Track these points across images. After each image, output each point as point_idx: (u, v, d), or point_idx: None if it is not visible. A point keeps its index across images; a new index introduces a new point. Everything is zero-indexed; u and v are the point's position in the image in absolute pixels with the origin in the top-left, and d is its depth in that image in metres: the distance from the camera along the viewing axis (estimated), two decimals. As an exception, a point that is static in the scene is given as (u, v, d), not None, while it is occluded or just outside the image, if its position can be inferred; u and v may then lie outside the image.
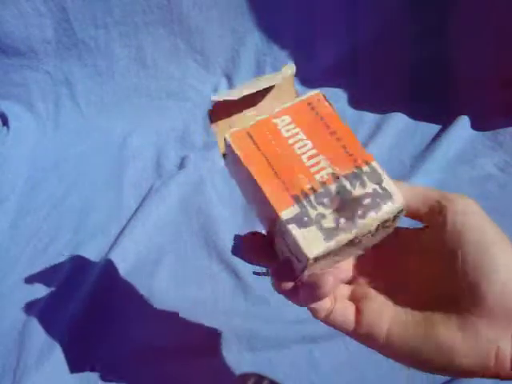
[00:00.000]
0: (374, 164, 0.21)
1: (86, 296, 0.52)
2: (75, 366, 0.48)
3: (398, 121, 0.74)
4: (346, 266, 0.25)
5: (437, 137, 0.70)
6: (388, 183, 0.21)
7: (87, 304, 0.52)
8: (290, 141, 0.22)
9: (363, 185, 0.21)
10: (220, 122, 0.24)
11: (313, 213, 0.20)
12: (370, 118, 0.76)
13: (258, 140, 0.22)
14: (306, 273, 0.21)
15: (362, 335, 0.24)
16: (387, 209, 0.20)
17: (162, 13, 0.75)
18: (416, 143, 0.70)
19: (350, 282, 0.25)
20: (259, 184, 0.21)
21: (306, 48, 0.81)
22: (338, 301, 0.24)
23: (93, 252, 0.58)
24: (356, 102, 0.79)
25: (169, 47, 0.79)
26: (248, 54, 0.81)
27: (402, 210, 0.21)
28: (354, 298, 0.24)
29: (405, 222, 0.23)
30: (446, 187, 0.62)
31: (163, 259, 0.57)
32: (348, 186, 0.21)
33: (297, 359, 0.47)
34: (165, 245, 0.58)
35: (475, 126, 0.70)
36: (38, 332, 0.50)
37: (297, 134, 0.22)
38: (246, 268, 0.54)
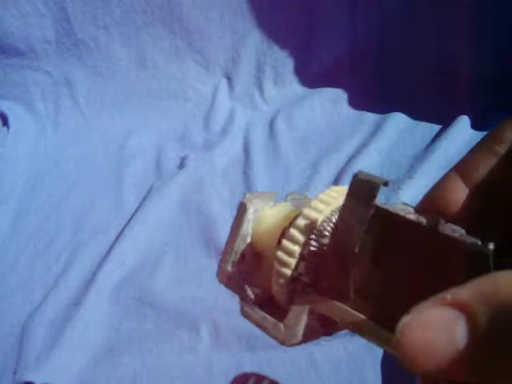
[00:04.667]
0: None
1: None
2: (75, 366, 0.48)
3: (398, 121, 0.74)
4: None
5: (437, 137, 0.70)
6: None
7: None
8: None
9: None
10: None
11: None
12: (370, 118, 0.76)
13: None
14: None
15: None
16: None
17: (161, 13, 0.75)
18: (416, 143, 0.70)
19: None
20: None
21: (306, 48, 0.81)
22: None
23: (93, 252, 0.58)
24: (356, 102, 0.79)
25: (169, 47, 0.79)
26: (248, 54, 0.81)
27: None
28: None
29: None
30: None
31: (163, 259, 0.57)
32: None
33: (297, 359, 0.47)
34: (165, 245, 0.58)
35: (475, 126, 0.71)
36: (37, 332, 0.50)
37: None
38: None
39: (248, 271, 0.19)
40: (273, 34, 0.80)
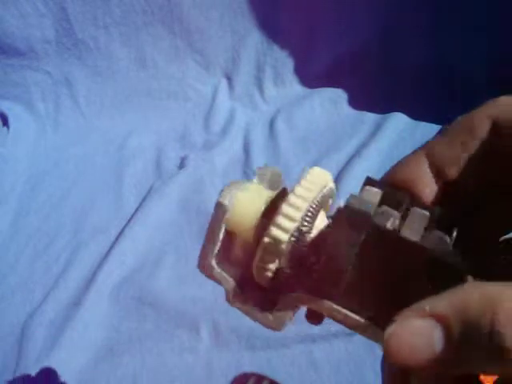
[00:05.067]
0: None
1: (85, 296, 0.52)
2: (75, 366, 0.48)
3: (398, 121, 0.74)
4: None
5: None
6: None
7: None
8: None
9: None
10: None
11: None
12: (370, 117, 0.76)
13: None
14: None
15: None
16: None
17: (161, 13, 0.75)
18: (416, 143, 0.70)
19: None
20: None
21: (306, 48, 0.81)
22: None
23: (93, 252, 0.58)
24: (356, 102, 0.79)
25: (169, 47, 0.79)
26: (248, 54, 0.81)
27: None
28: None
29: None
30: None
31: (163, 259, 0.57)
32: None
33: (297, 359, 0.47)
34: (165, 245, 0.58)
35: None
36: (37, 332, 0.50)
37: None
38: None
39: (229, 260, 0.20)
40: (273, 34, 0.80)
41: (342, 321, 0.17)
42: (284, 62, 0.82)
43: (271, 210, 0.18)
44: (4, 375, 0.47)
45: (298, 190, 0.17)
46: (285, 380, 0.46)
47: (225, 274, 0.19)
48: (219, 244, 0.19)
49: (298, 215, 0.17)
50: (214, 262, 0.19)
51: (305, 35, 0.80)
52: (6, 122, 0.77)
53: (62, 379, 0.46)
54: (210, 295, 0.52)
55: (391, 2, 0.74)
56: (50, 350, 0.48)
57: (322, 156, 0.69)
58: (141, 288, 0.53)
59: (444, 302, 0.14)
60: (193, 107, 0.81)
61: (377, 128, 0.73)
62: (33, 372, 0.47)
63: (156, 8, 0.74)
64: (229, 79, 0.83)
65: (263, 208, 0.18)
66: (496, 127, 0.18)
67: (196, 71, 0.82)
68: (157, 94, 0.81)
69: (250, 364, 0.47)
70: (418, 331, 0.15)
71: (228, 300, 0.19)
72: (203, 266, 0.20)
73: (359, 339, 0.46)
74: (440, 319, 0.14)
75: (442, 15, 0.73)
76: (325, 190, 0.18)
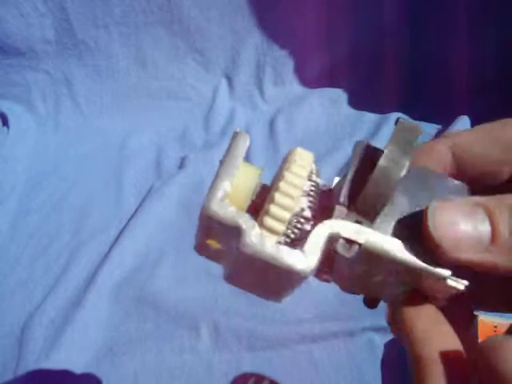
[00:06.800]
0: None
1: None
2: (75, 366, 0.48)
3: (398, 121, 0.74)
4: None
5: (437, 137, 0.70)
6: None
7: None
8: None
9: None
10: None
11: None
12: (370, 117, 0.76)
13: None
14: None
15: None
16: None
17: (161, 13, 0.75)
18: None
19: None
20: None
21: (306, 48, 0.81)
22: None
23: (93, 252, 0.58)
24: (356, 102, 0.79)
25: (169, 47, 0.79)
26: (248, 54, 0.81)
27: None
28: None
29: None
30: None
31: (163, 259, 0.57)
32: None
33: (297, 359, 0.47)
34: (165, 245, 0.58)
35: (475, 126, 0.70)
36: (37, 332, 0.50)
37: None
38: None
39: None
40: (273, 34, 0.80)
41: (377, 246, 0.17)
42: (284, 61, 0.82)
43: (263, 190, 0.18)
44: (4, 375, 0.47)
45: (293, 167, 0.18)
46: (285, 380, 0.46)
47: (241, 212, 0.17)
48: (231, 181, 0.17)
49: (304, 173, 0.19)
50: (225, 201, 0.17)
51: (305, 35, 0.80)
52: (6, 122, 0.77)
53: (62, 379, 0.46)
54: (210, 295, 0.52)
55: (391, 1, 0.74)
56: (49, 350, 0.48)
57: (322, 156, 0.69)
58: (141, 288, 0.53)
59: (491, 198, 0.14)
60: (193, 107, 0.81)
61: (377, 128, 0.73)
62: (33, 372, 0.47)
63: (156, 8, 0.74)
64: (229, 79, 0.83)
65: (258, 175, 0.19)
66: (456, 156, 0.20)
67: (196, 71, 0.82)
68: (157, 94, 0.81)
69: (250, 364, 0.47)
70: (461, 211, 0.14)
71: (247, 243, 0.16)
72: (213, 207, 0.17)
73: (359, 339, 0.47)
74: (482, 206, 0.14)
75: (442, 15, 0.73)
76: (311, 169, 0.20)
